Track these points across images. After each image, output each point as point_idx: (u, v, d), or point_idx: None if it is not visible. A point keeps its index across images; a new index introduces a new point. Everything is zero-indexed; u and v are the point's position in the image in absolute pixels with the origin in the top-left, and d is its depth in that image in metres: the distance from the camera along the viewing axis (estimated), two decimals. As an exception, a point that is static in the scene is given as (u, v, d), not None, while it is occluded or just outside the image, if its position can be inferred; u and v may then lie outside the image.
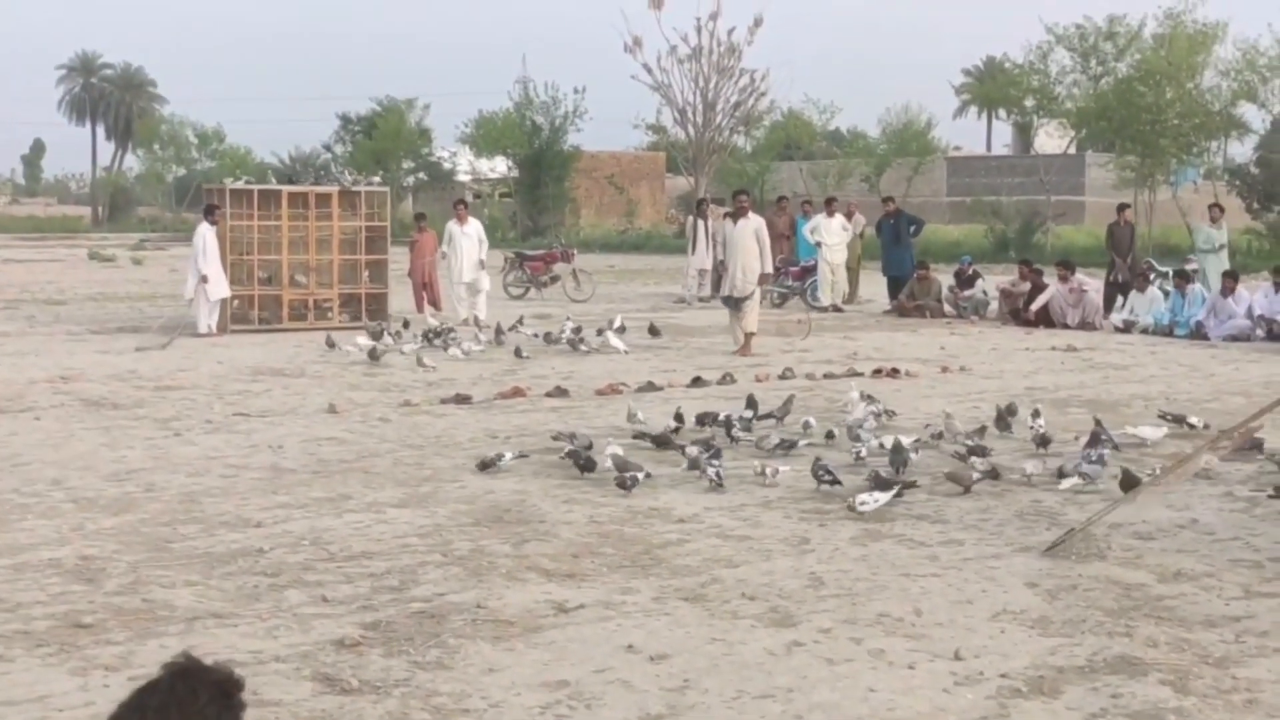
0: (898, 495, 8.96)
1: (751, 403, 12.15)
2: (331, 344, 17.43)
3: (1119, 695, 5.54)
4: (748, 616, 6.63)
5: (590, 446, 10.41)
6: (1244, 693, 5.57)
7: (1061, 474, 9.68)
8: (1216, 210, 23.82)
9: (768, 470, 9.66)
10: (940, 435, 11.23)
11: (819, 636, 6.32)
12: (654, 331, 19.48)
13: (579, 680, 5.76)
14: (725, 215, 29.26)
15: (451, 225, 22.81)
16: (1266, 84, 38.04)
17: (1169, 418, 11.94)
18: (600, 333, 18.54)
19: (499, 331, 18.88)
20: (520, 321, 19.90)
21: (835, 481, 9.36)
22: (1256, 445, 10.46)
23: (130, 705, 2.70)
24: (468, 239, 22.50)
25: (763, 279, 18.14)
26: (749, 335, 17.95)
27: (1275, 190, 40.90)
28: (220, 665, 2.81)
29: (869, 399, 12.40)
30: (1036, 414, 11.55)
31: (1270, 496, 8.90)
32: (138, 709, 2.68)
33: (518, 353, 17.19)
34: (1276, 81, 37.84)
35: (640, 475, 9.42)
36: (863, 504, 8.68)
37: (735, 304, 18.06)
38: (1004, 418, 11.70)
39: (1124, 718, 5.31)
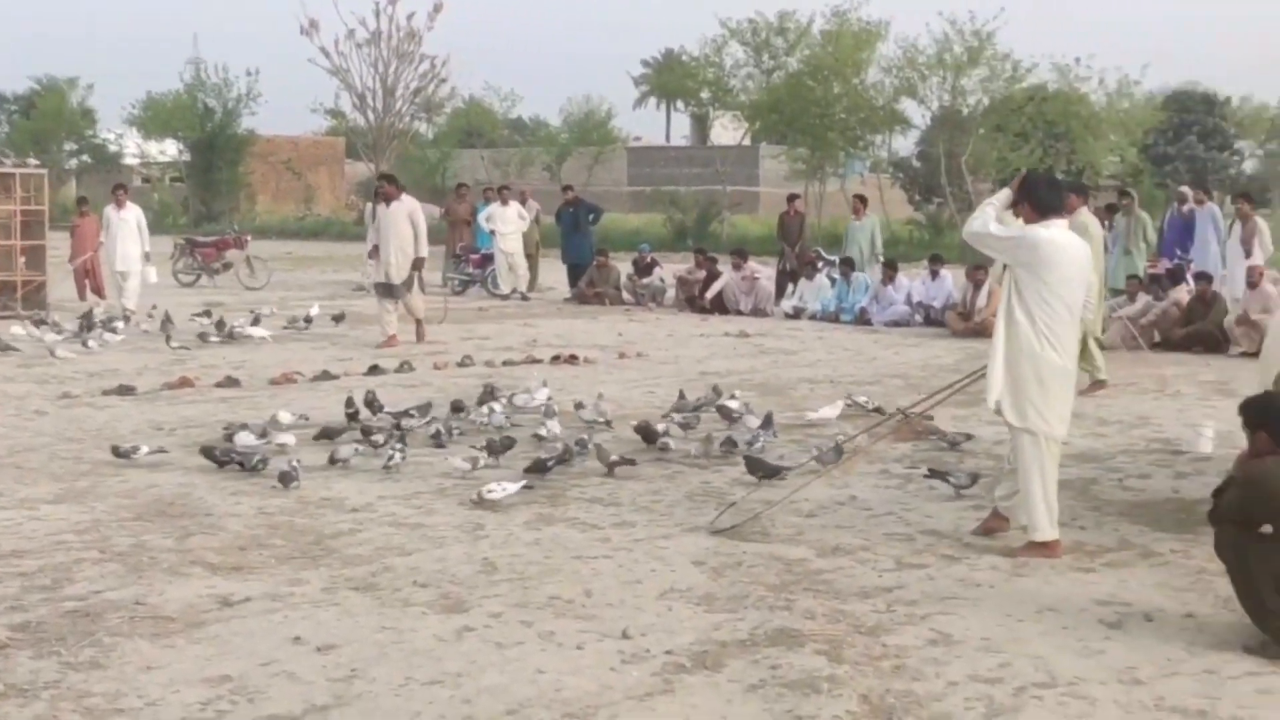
0: (527, 487, 8.92)
1: (458, 406, 11.90)
2: None
3: (778, 666, 5.73)
4: (419, 604, 6.58)
5: (265, 434, 10.27)
6: (893, 659, 5.83)
7: (733, 444, 10.18)
8: (858, 202, 24.83)
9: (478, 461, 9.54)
10: (609, 423, 11.33)
11: (490, 621, 6.32)
12: (338, 319, 19.18)
13: (242, 674, 5.61)
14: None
15: (109, 210, 21.30)
16: (925, 81, 39.90)
17: (851, 403, 12.34)
18: (295, 320, 18.38)
19: (167, 320, 18.19)
20: (206, 313, 19.26)
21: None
22: (933, 431, 10.99)
23: None
24: (125, 225, 20.98)
25: (416, 264, 17.24)
26: (419, 321, 17.52)
27: (935, 183, 43.00)
28: None
29: (488, 393, 12.16)
30: (733, 397, 12.01)
31: (926, 475, 9.33)
32: None
33: (168, 342, 16.60)
34: (934, 79, 39.73)
35: (296, 465, 9.21)
36: (490, 492, 8.61)
37: (390, 291, 17.37)
38: (709, 399, 11.92)
39: (781, 687, 5.49)
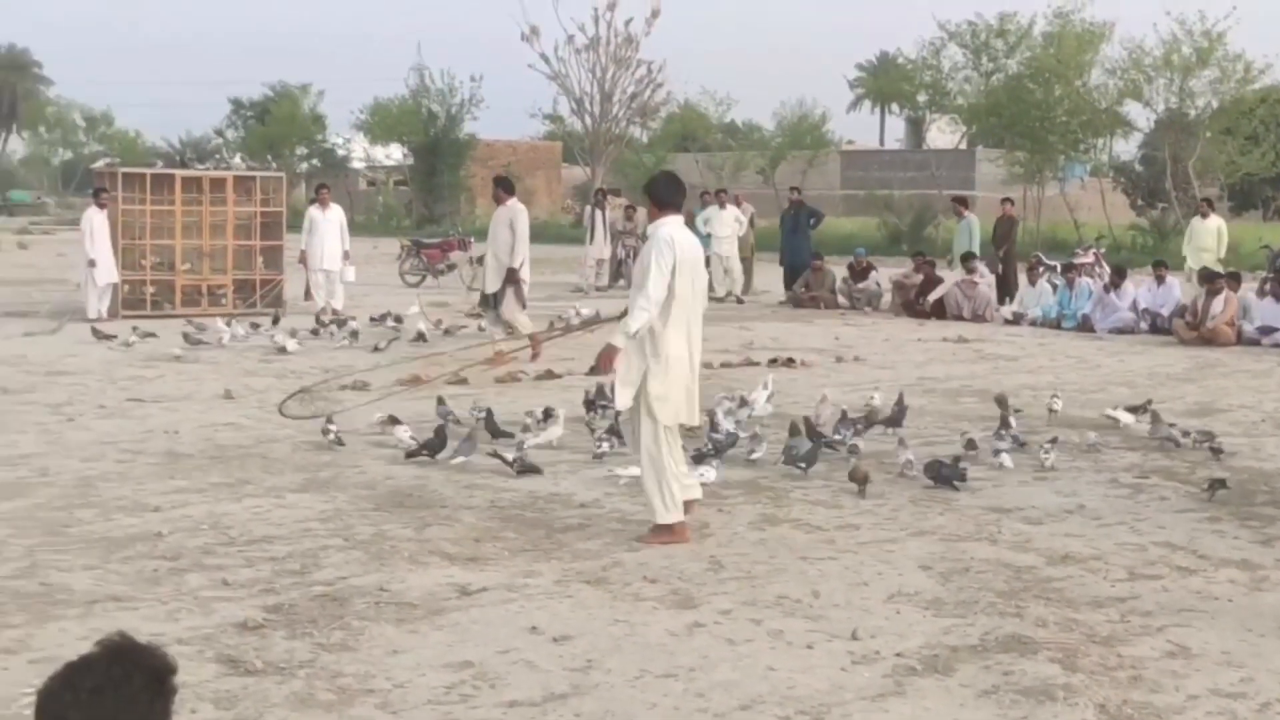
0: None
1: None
2: (99, 335, 16.94)
3: (1010, 672, 5.70)
4: (649, 599, 6.72)
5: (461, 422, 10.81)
6: (1129, 670, 5.76)
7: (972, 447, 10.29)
8: (958, 205, 25.33)
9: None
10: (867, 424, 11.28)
11: (719, 618, 6.42)
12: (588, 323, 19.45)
13: (483, 661, 5.81)
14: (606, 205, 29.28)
15: (313, 210, 21.69)
16: (1151, 83, 38.83)
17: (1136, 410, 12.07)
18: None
19: (344, 323, 18.56)
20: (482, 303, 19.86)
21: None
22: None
23: (62, 682, 2.62)
24: (329, 224, 21.35)
25: (509, 276, 15.72)
26: (531, 336, 15.48)
27: (1159, 187, 41.85)
28: (155, 648, 2.71)
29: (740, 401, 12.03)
30: (1055, 396, 12.40)
31: (1208, 488, 9.08)
32: (70, 687, 2.59)
33: (376, 348, 16.99)
34: (1161, 81, 38.64)
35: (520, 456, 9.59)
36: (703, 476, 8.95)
37: (490, 302, 16.17)
38: (897, 411, 11.76)
39: (1015, 694, 5.47)
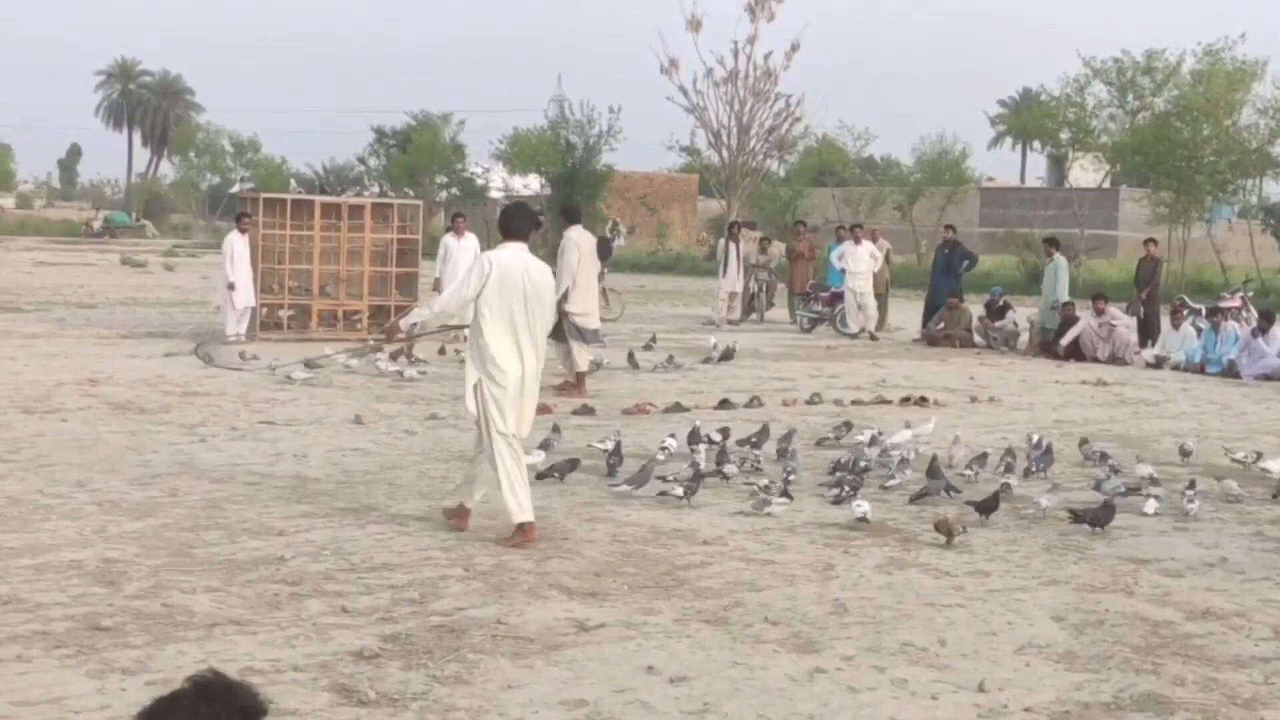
0: None
1: (765, 432, 12.03)
2: (208, 359, 17.04)
3: (1145, 733, 5.47)
4: (770, 641, 6.57)
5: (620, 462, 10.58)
6: (1273, 735, 5.49)
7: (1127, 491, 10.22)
8: (1048, 246, 24.73)
9: (771, 503, 9.50)
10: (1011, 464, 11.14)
11: (841, 664, 6.26)
12: (728, 355, 19.46)
13: (598, 700, 5.70)
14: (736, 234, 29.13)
15: (448, 239, 21.90)
16: (1306, 123, 37.77)
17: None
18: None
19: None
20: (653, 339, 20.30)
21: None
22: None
23: (150, 717, 2.59)
24: (465, 253, 21.06)
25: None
26: (579, 375, 15.41)
27: (1310, 230, 40.68)
28: (245, 685, 2.65)
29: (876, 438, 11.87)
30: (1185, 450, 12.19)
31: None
32: None
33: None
34: (1315, 120, 37.55)
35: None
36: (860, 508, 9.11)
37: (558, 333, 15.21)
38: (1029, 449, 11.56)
39: (1150, 757, 5.24)
